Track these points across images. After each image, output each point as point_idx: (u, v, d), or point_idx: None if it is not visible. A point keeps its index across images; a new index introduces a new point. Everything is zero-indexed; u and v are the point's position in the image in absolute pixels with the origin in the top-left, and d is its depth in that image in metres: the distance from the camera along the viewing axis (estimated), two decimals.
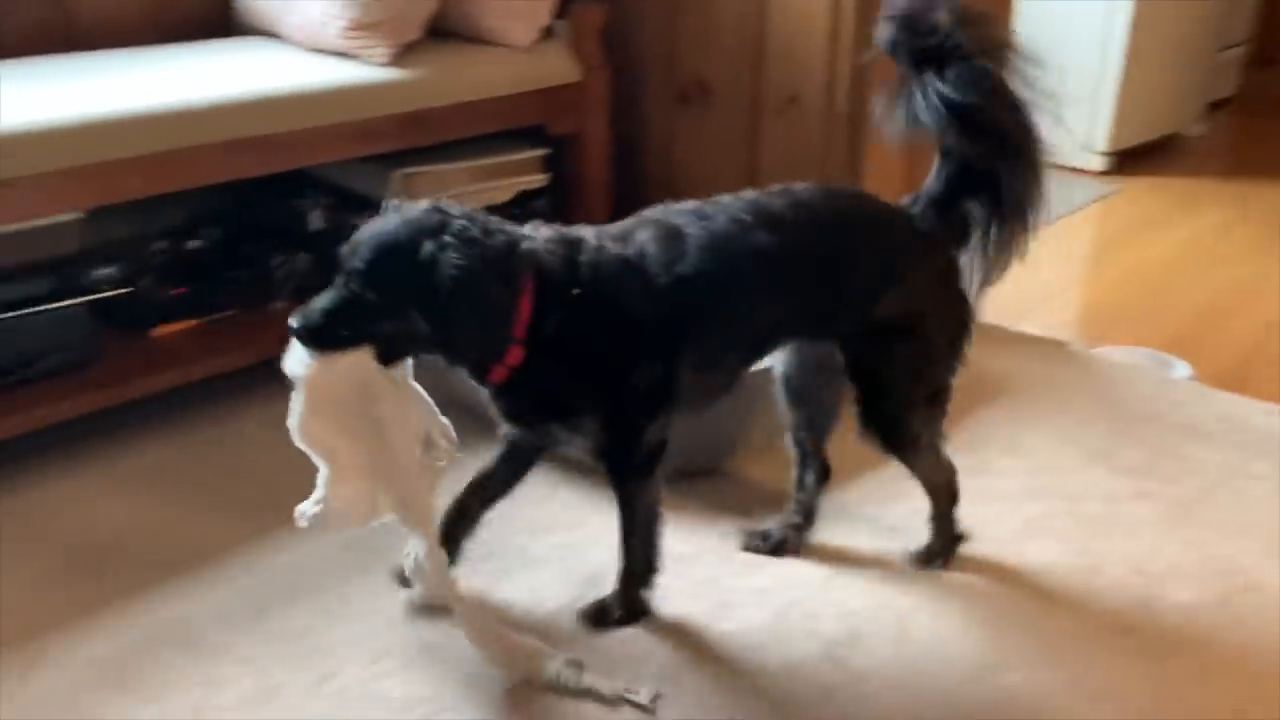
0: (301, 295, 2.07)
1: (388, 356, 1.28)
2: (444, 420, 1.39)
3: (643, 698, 1.32)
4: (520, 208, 2.34)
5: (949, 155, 1.43)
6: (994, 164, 1.40)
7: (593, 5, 2.28)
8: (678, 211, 1.41)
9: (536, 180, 2.34)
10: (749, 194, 1.44)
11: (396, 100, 1.98)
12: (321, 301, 1.26)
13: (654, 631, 1.44)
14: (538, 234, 1.35)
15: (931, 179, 1.46)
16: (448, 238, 1.23)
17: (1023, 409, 2.04)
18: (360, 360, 1.25)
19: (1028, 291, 2.71)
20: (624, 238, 1.37)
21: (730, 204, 1.41)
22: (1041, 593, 1.55)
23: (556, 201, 2.40)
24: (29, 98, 1.69)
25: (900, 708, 1.34)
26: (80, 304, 1.77)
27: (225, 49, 2.12)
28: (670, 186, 2.43)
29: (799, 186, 1.46)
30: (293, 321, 1.25)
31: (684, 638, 1.44)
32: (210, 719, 1.30)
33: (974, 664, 1.41)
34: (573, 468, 1.76)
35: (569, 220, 2.37)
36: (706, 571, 1.56)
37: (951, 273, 1.47)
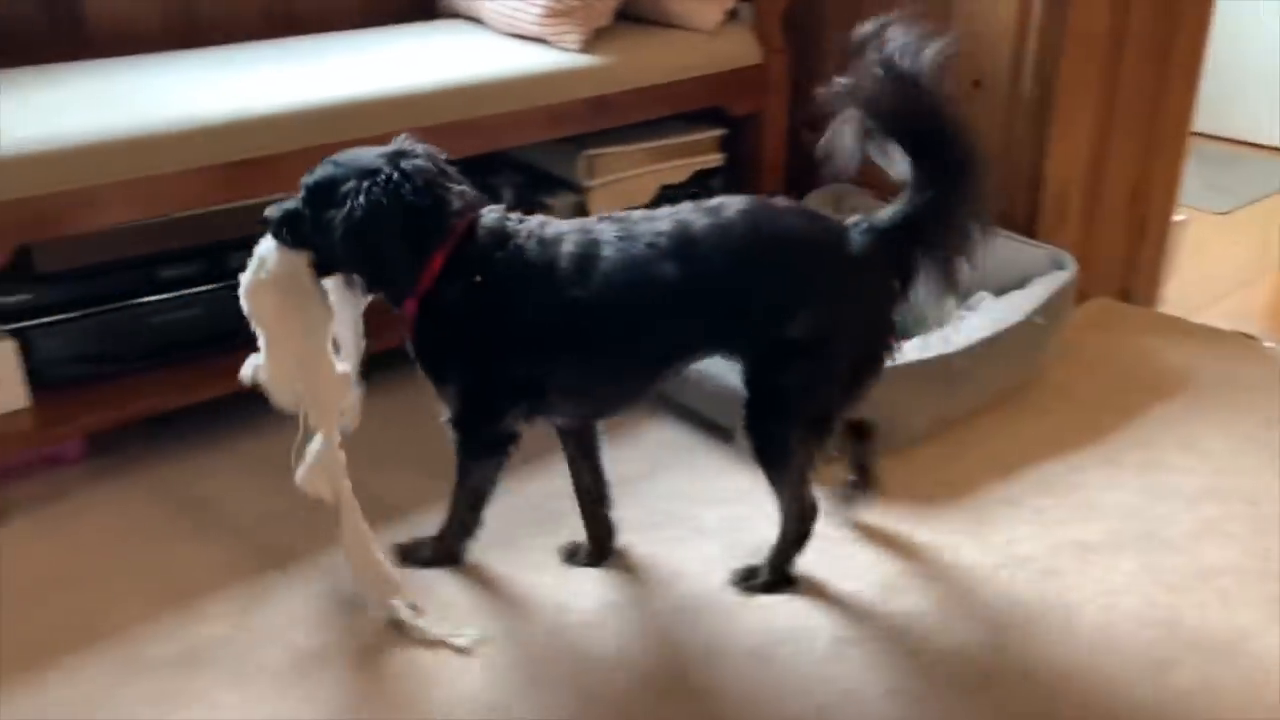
0: None
1: (320, 268, 1.42)
2: (361, 342, 1.52)
3: (464, 641, 1.43)
4: (697, 186, 2.41)
5: (908, 194, 1.43)
6: (940, 187, 1.40)
7: None
8: (612, 226, 1.44)
9: (714, 160, 2.40)
10: (686, 208, 1.45)
11: (586, 85, 2.07)
12: (286, 203, 1.42)
13: (818, 609, 1.51)
14: (487, 212, 1.44)
15: (886, 210, 1.45)
16: (368, 182, 1.35)
17: (1203, 406, 2.00)
18: (297, 263, 1.41)
19: (1212, 280, 2.63)
20: (554, 242, 1.42)
21: (658, 223, 1.43)
22: (1217, 594, 1.54)
23: (732, 180, 2.46)
24: (255, 85, 1.85)
25: (1066, 698, 1.37)
26: None
27: (429, 33, 2.25)
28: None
29: (735, 202, 1.46)
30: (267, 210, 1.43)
31: (850, 615, 1.50)
32: None
33: (1145, 660, 1.42)
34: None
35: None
36: (875, 554, 1.62)
37: (874, 302, 1.46)
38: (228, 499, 1.74)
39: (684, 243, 1.40)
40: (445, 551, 1.60)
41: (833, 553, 1.60)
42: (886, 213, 1.44)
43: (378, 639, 1.46)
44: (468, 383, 1.47)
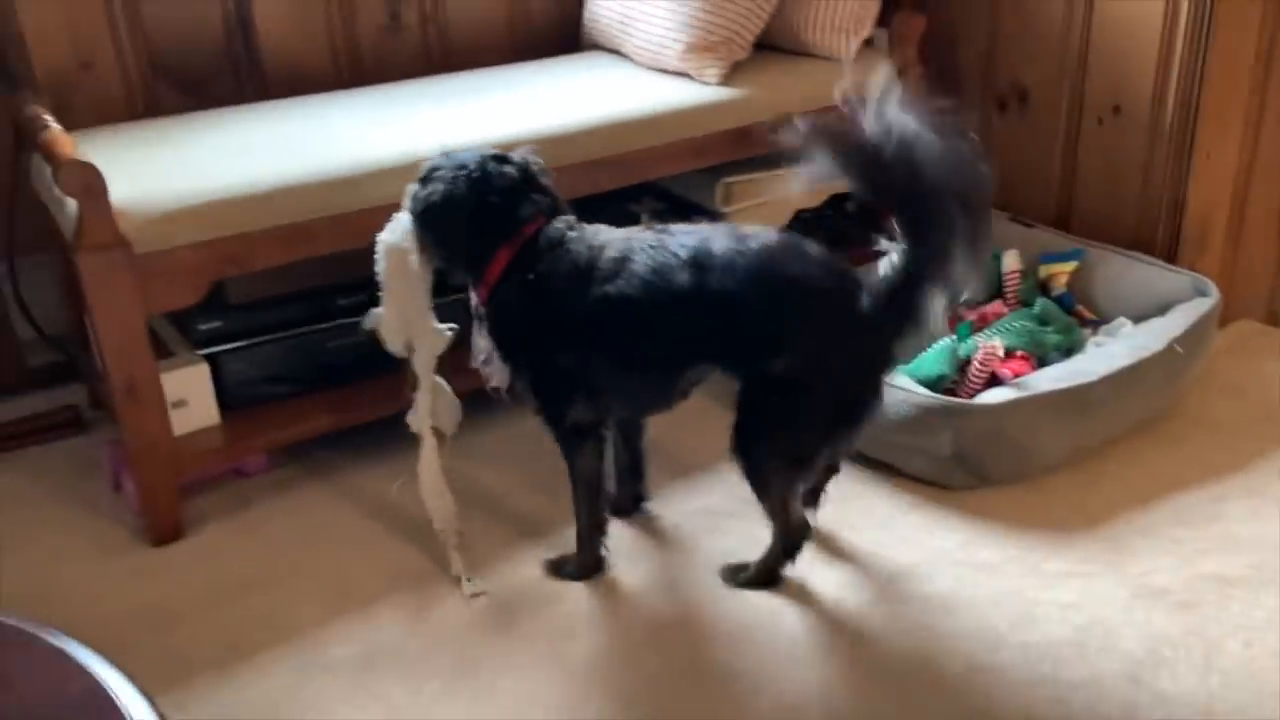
0: None
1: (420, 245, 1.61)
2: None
3: (469, 589, 1.66)
4: (833, 210, 2.47)
5: (906, 244, 1.45)
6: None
7: (914, 14, 2.35)
8: (650, 236, 1.56)
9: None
10: (721, 230, 1.55)
11: (727, 118, 2.15)
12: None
13: (951, 636, 1.56)
14: (556, 220, 1.59)
15: (889, 264, 1.47)
16: (455, 174, 1.56)
17: None
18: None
19: None
20: (599, 247, 1.56)
21: (687, 238, 1.53)
22: None
23: (866, 204, 2.50)
24: (419, 124, 1.98)
25: None
26: (463, 297, 2.06)
27: (576, 68, 2.36)
28: None
29: (765, 235, 1.54)
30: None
31: (982, 644, 1.54)
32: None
33: None
34: (881, 469, 1.89)
35: (879, 224, 2.49)
36: (1010, 583, 1.65)
37: (868, 358, 1.51)
38: (398, 508, 1.87)
39: (702, 258, 1.50)
40: (587, 561, 1.71)
41: (966, 580, 1.65)
42: (890, 269, 1.48)
43: (547, 641, 1.57)
44: (533, 373, 1.63)
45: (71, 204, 1.61)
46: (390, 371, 1.99)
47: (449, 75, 2.35)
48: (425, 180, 1.60)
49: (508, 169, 1.58)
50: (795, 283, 1.50)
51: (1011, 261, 2.18)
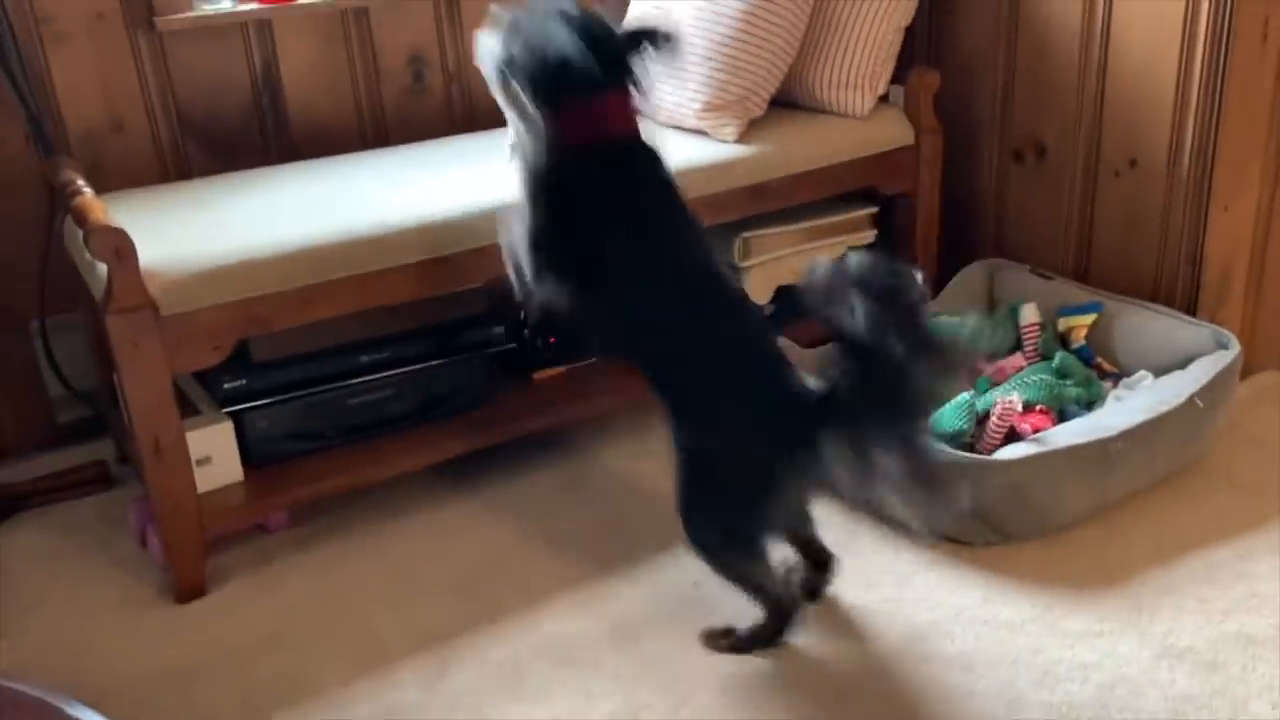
0: None
1: None
2: None
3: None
4: None
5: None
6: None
7: (928, 70, 2.37)
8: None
9: (867, 237, 2.47)
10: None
11: (743, 174, 2.18)
12: None
13: (971, 695, 1.55)
14: None
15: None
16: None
17: None
18: None
19: None
20: None
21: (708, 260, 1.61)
22: None
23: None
24: (445, 186, 2.02)
25: None
26: (480, 355, 2.09)
27: None
28: (1001, 243, 2.48)
29: (740, 301, 1.63)
30: None
31: (1003, 704, 1.53)
32: None
33: None
34: (901, 528, 1.89)
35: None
36: (1030, 641, 1.64)
37: (788, 458, 1.49)
38: (418, 566, 1.89)
39: (692, 294, 1.58)
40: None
41: (986, 638, 1.64)
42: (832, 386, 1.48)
43: (568, 708, 1.58)
44: None
45: (101, 267, 1.66)
46: (410, 427, 2.03)
47: (471, 135, 2.39)
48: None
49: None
50: (732, 356, 1.57)
51: (1030, 314, 2.19)
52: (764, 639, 1.64)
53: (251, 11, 2.26)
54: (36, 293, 2.19)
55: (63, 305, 2.19)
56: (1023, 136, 2.38)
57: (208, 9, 2.24)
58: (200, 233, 1.82)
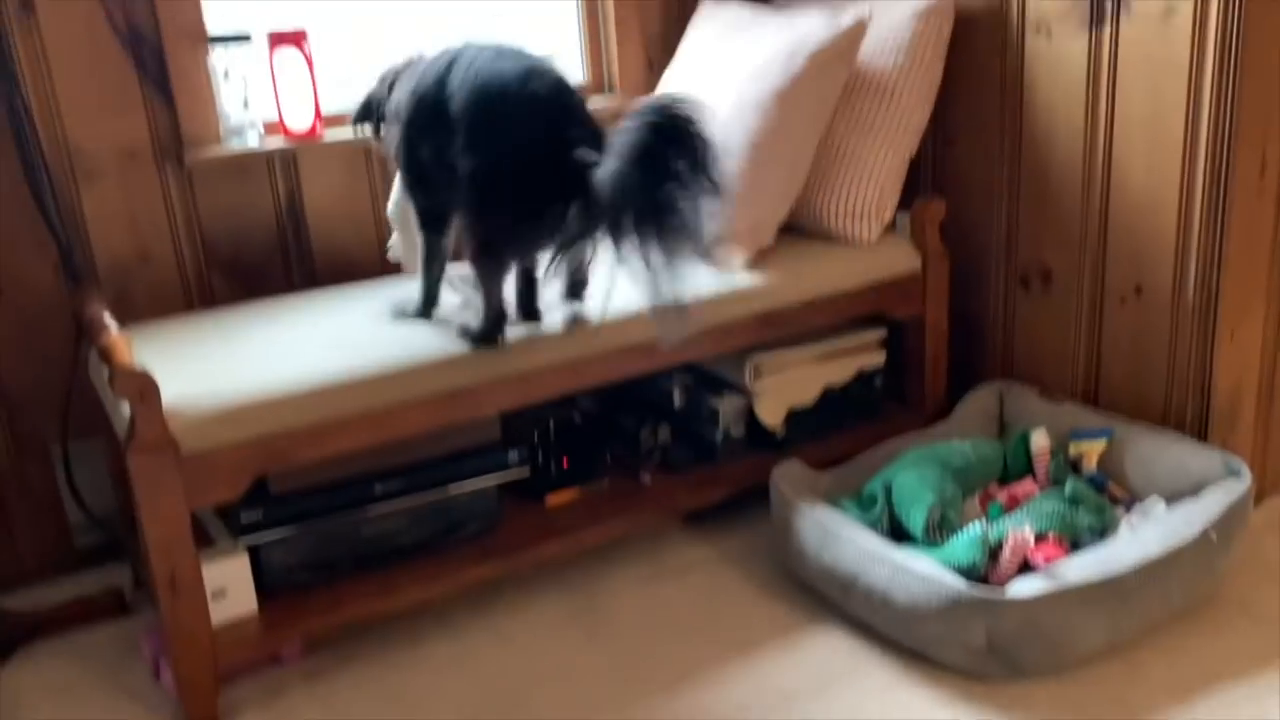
0: (666, 466, 2.35)
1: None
2: None
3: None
4: (860, 385, 2.51)
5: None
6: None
7: (934, 199, 2.43)
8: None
9: (876, 360, 2.50)
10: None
11: (753, 303, 2.22)
12: None
13: None
14: None
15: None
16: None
17: None
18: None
19: None
20: None
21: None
22: None
23: (895, 378, 2.54)
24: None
25: None
26: (494, 482, 2.12)
27: (605, 250, 2.45)
28: (1009, 367, 2.51)
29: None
30: None
31: None
32: None
33: None
34: (914, 660, 1.87)
35: (907, 398, 2.53)
36: None
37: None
38: (429, 700, 1.88)
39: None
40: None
41: None
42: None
43: None
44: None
45: (125, 406, 1.69)
46: (423, 556, 2.04)
47: None
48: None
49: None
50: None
51: (1041, 440, 2.20)
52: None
53: (277, 148, 2.34)
54: (59, 418, 2.23)
55: (84, 430, 2.24)
56: (1029, 262, 2.42)
57: (235, 145, 2.33)
58: (222, 368, 1.86)
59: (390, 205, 2.26)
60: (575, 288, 2.10)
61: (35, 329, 2.21)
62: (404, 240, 2.25)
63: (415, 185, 2.04)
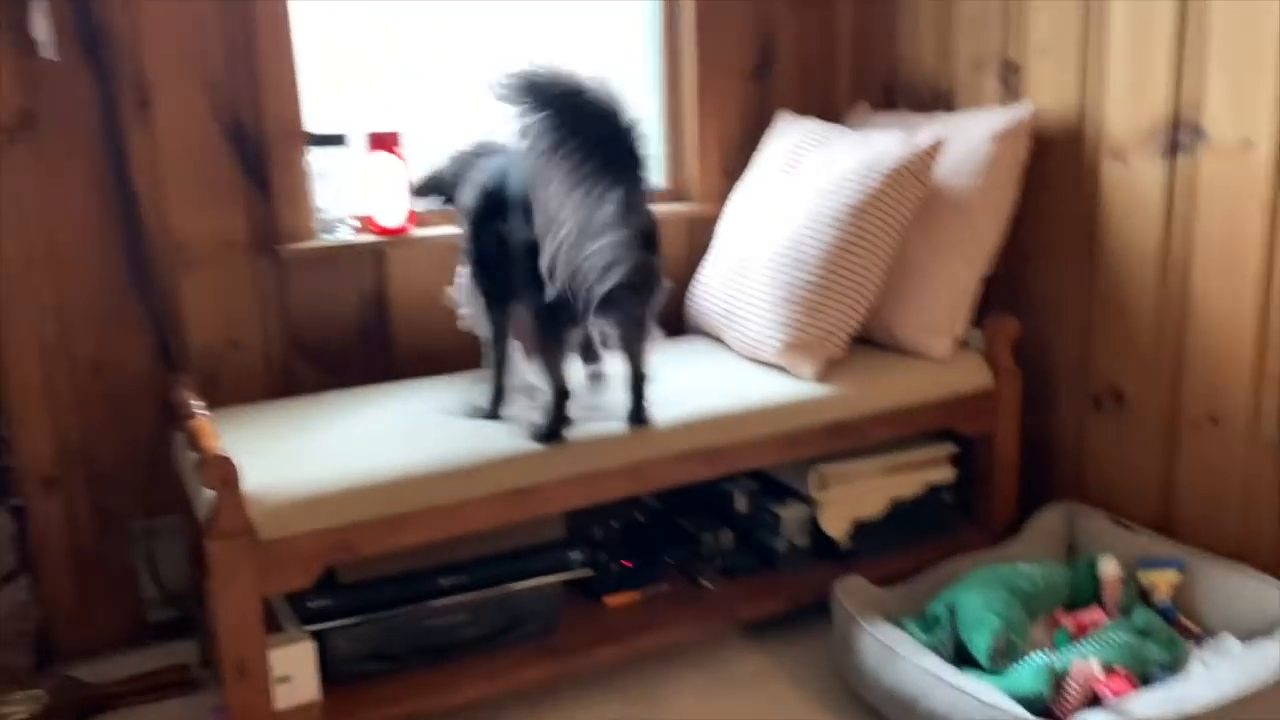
0: (727, 572, 2.35)
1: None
2: None
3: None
4: (928, 499, 2.49)
5: None
6: None
7: (1007, 316, 2.43)
8: None
9: (945, 475, 2.49)
10: None
11: (822, 413, 2.23)
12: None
13: None
14: None
15: None
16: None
17: None
18: None
19: None
20: None
21: None
22: None
23: (964, 495, 2.53)
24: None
25: None
26: (556, 581, 2.14)
27: (678, 353, 2.48)
28: (1080, 489, 2.48)
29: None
30: None
31: None
32: None
33: None
34: None
35: (976, 515, 2.50)
36: None
37: None
38: None
39: None
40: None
41: None
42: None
43: None
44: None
45: (208, 491, 1.76)
46: (486, 651, 2.06)
47: None
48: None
49: None
50: None
51: (1110, 567, 2.16)
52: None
53: (367, 242, 2.44)
54: (141, 496, 2.31)
55: (163, 508, 2.31)
56: (1101, 383, 2.40)
57: (327, 239, 2.43)
58: (300, 457, 1.93)
59: (457, 285, 2.33)
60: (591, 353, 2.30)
61: (126, 408, 2.31)
62: (472, 308, 2.31)
63: (480, 270, 2.14)
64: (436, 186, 2.28)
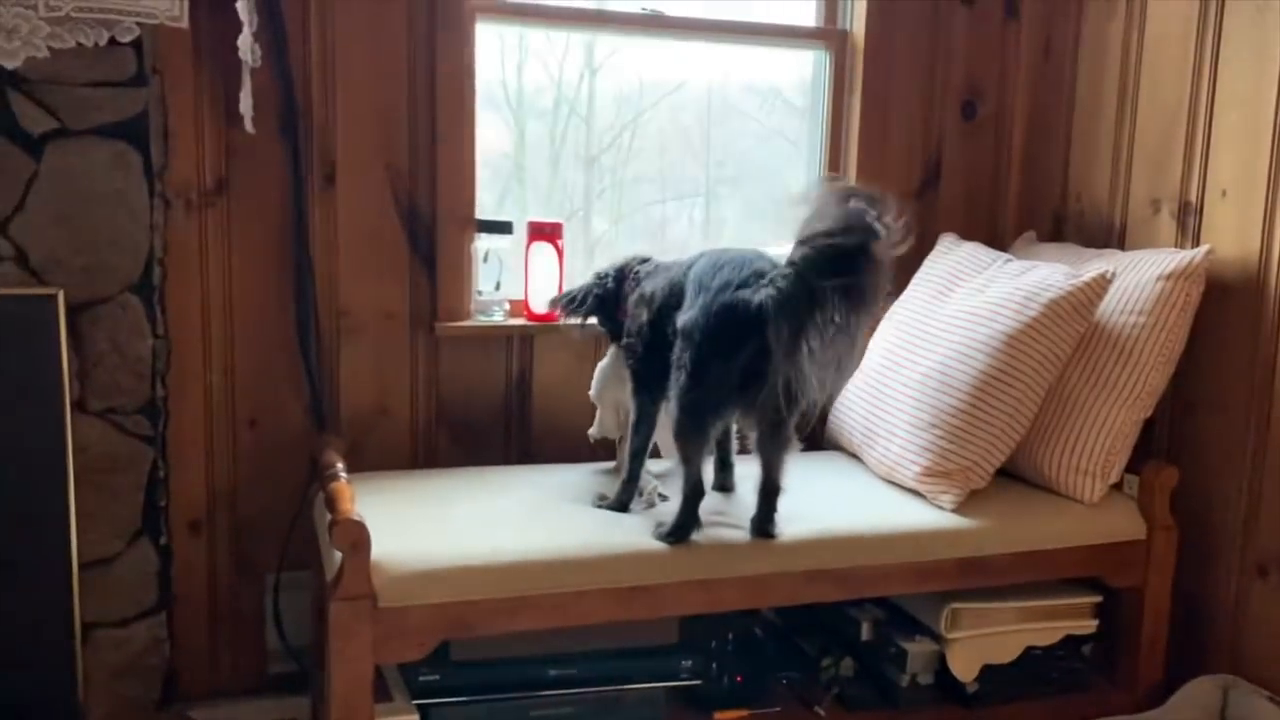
0: (843, 701, 2.26)
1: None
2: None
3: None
4: (1066, 651, 2.34)
5: None
6: None
7: (1166, 465, 2.30)
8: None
9: (1087, 626, 2.34)
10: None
11: (958, 546, 2.14)
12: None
13: None
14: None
15: None
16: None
17: None
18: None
19: None
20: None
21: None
22: None
23: (1106, 651, 2.37)
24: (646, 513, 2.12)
25: None
26: (664, 687, 2.09)
27: (812, 471, 2.42)
28: (1238, 660, 2.29)
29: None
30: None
31: None
32: None
33: None
34: None
35: (1118, 676, 2.34)
36: None
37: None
38: None
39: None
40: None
41: None
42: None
43: None
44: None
45: (337, 554, 1.80)
46: None
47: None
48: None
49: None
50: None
51: None
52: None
53: (518, 325, 2.51)
54: (279, 549, 2.39)
55: (297, 563, 2.38)
56: (1269, 550, 2.23)
57: (481, 319, 2.51)
58: (429, 529, 1.97)
59: (594, 387, 2.37)
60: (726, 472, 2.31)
61: (276, 463, 2.41)
62: (605, 417, 2.37)
63: (644, 355, 2.14)
64: (578, 302, 2.30)
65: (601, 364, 2.37)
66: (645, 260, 2.28)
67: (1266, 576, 2.23)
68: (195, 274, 2.31)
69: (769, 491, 2.06)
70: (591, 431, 2.40)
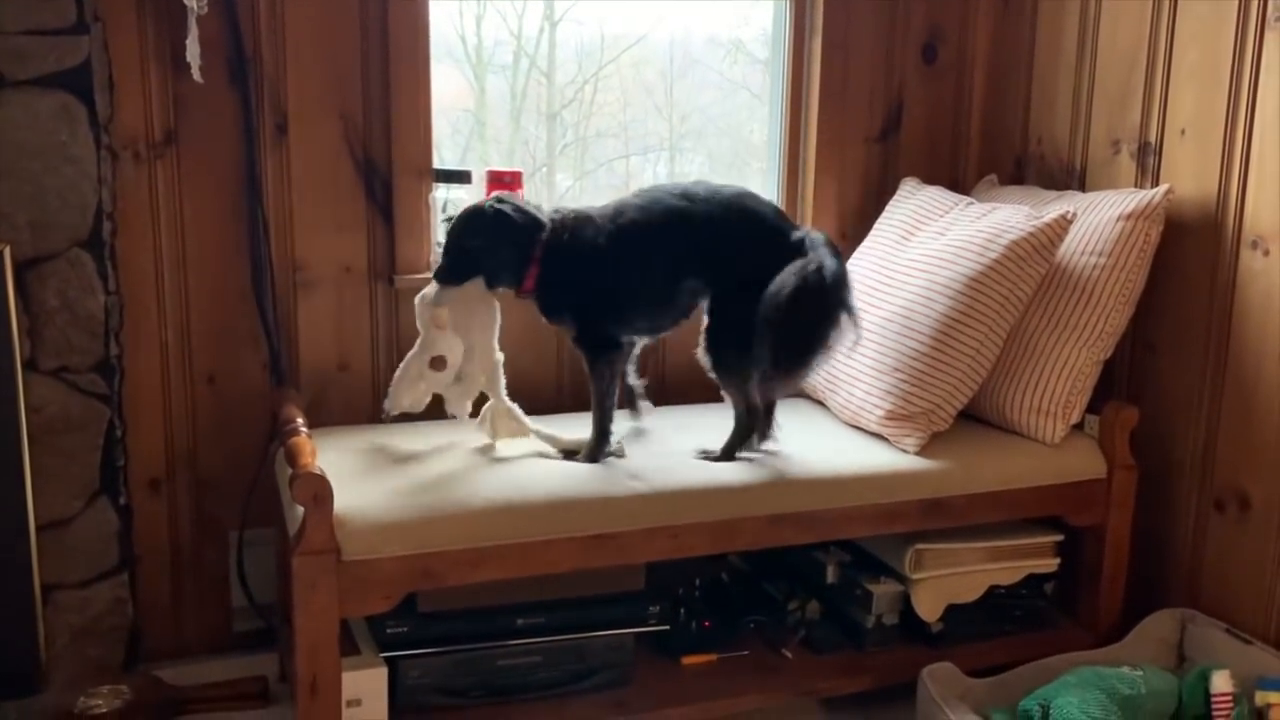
0: (810, 644, 2.28)
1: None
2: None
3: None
4: (1029, 589, 2.38)
5: None
6: None
7: (1126, 405, 2.32)
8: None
9: (1049, 564, 2.37)
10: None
11: (921, 488, 2.16)
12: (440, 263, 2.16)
13: None
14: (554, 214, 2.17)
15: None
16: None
17: None
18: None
19: None
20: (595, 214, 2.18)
21: (674, 186, 2.19)
22: None
23: (1067, 587, 2.41)
24: (617, 465, 2.11)
25: None
26: (632, 633, 2.10)
27: (780, 415, 2.41)
28: (1195, 595, 2.33)
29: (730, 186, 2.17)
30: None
31: None
32: None
33: None
34: None
35: (1079, 612, 2.38)
36: None
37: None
38: None
39: (690, 193, 2.14)
40: (592, 453, 2.12)
41: None
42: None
43: None
44: (579, 318, 2.17)
45: (299, 508, 1.79)
46: (554, 699, 2.03)
47: (661, 409, 2.47)
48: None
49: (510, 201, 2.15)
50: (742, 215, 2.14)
51: (1222, 682, 2.01)
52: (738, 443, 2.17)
53: None
54: (241, 506, 2.37)
55: (260, 520, 2.36)
56: (1225, 485, 2.26)
57: None
58: (393, 482, 1.95)
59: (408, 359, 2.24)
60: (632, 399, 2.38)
61: (235, 419, 2.37)
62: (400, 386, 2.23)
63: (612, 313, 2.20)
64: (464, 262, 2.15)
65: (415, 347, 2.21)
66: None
67: (1224, 511, 2.27)
68: (147, 228, 2.26)
69: (744, 422, 2.19)
70: (387, 406, 2.24)
